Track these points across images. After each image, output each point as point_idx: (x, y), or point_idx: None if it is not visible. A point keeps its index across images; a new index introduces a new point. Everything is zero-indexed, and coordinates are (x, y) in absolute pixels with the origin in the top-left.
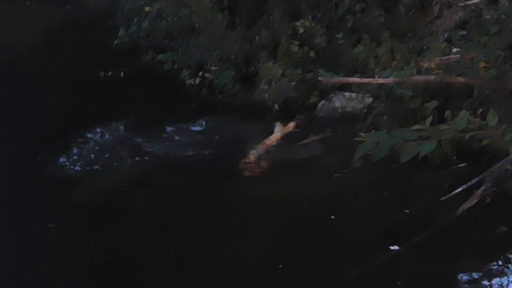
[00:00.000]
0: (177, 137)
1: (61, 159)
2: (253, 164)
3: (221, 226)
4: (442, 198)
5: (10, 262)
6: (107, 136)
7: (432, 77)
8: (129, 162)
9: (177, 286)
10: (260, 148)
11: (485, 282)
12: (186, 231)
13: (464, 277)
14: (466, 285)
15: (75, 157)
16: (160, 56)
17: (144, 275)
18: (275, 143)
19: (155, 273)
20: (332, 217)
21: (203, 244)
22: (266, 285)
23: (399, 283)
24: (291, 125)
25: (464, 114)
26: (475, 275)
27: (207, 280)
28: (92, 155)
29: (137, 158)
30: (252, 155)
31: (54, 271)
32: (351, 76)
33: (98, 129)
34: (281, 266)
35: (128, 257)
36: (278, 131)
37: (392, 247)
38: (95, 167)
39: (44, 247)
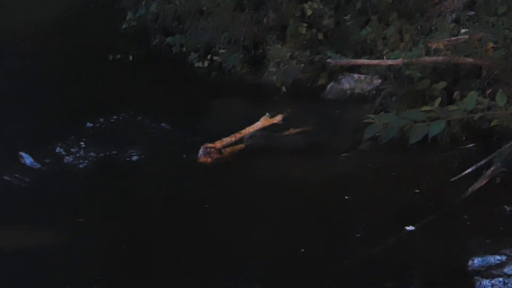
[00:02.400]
0: (184, 120)
1: (72, 146)
2: (212, 150)
3: (234, 211)
4: (452, 179)
5: (38, 256)
6: (117, 120)
7: (440, 58)
8: (139, 146)
9: (202, 271)
10: (233, 136)
11: (495, 262)
12: (206, 219)
13: (473, 257)
14: (476, 265)
15: (85, 144)
16: (169, 39)
17: (166, 268)
18: (252, 132)
19: (178, 262)
20: (346, 197)
21: (220, 230)
22: (285, 267)
23: (409, 263)
24: (278, 117)
25: (473, 94)
26: (485, 255)
27: (228, 267)
28: (103, 141)
29: (146, 142)
30: (219, 142)
31: (79, 262)
32: (360, 57)
33: (108, 113)
34: (303, 250)
35: (153, 245)
36: (261, 121)
37: (408, 228)
38: (107, 154)
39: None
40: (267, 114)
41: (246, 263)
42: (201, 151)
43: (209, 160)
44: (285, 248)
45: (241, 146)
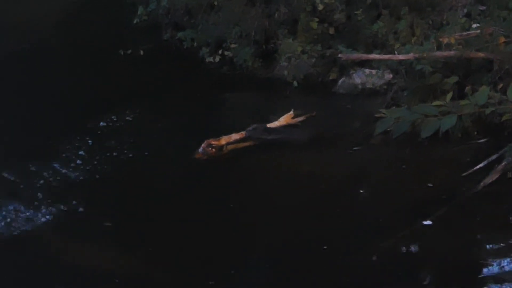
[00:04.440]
0: (195, 116)
1: (86, 145)
2: (210, 148)
3: (244, 207)
4: (463, 174)
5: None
6: (128, 117)
7: (452, 52)
8: (149, 143)
9: (225, 267)
10: (243, 133)
11: (506, 256)
12: (216, 216)
13: (485, 251)
14: (487, 259)
15: (98, 143)
16: (180, 33)
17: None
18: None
19: (206, 255)
20: (361, 191)
21: (232, 226)
22: (298, 260)
23: (422, 256)
24: (301, 118)
25: (484, 89)
26: (496, 249)
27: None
28: (114, 139)
29: (156, 139)
30: (225, 138)
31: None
32: (371, 52)
33: (119, 110)
34: (325, 247)
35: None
36: (279, 121)
37: (425, 222)
38: (118, 152)
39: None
40: (292, 111)
41: (259, 258)
42: (200, 147)
43: (205, 157)
44: (298, 242)
45: (246, 143)
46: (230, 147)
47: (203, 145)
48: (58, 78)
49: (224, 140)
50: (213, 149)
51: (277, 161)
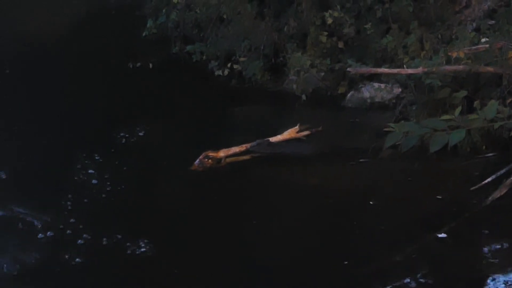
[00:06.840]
0: (203, 129)
1: (94, 160)
2: (208, 160)
3: (252, 220)
4: (472, 188)
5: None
6: (138, 131)
7: (461, 67)
8: (154, 155)
9: (236, 282)
10: (243, 146)
11: None
12: (224, 229)
13: (494, 264)
14: (496, 274)
15: (108, 158)
16: (189, 47)
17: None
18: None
19: (216, 271)
20: (371, 202)
21: (241, 239)
22: (307, 273)
23: (430, 268)
24: (305, 133)
25: (493, 103)
26: (505, 263)
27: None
28: (126, 154)
29: (162, 151)
30: (224, 151)
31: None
32: (380, 66)
33: (127, 123)
34: (346, 263)
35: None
36: (283, 135)
37: (440, 235)
38: (128, 169)
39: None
40: (298, 125)
41: (265, 270)
42: (197, 159)
43: (200, 168)
44: (305, 255)
45: (246, 156)
46: (229, 159)
47: (200, 156)
48: (66, 91)
49: (222, 152)
50: (210, 161)
51: (281, 174)
